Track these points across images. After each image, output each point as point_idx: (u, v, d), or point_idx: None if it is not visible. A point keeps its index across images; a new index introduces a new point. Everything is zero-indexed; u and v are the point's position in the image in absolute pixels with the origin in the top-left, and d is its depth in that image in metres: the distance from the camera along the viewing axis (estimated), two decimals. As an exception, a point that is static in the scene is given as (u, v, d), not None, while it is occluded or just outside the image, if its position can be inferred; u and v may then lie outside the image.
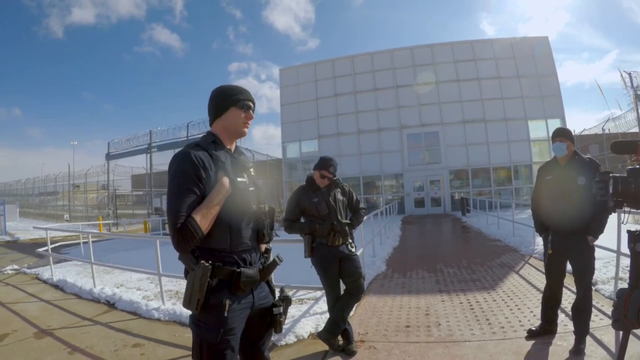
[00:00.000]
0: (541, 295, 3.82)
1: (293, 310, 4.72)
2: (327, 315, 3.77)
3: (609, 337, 3.40)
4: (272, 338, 3.64)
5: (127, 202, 38.11)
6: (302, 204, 3.62)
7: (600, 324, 3.74)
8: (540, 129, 23.34)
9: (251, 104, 1.91)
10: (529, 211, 4.17)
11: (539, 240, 7.93)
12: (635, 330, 1.82)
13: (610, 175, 1.98)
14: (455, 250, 9.84)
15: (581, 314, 3.28)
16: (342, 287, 3.71)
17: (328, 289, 3.65)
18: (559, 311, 3.69)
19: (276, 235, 2.02)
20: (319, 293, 5.21)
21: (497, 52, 24.02)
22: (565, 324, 3.77)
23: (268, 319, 1.90)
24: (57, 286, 6.88)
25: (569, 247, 3.34)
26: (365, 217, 3.94)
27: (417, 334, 3.97)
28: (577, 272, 3.35)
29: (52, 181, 36.15)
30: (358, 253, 3.95)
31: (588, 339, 3.29)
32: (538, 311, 3.88)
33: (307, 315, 4.63)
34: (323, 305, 4.71)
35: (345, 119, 25.44)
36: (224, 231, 1.73)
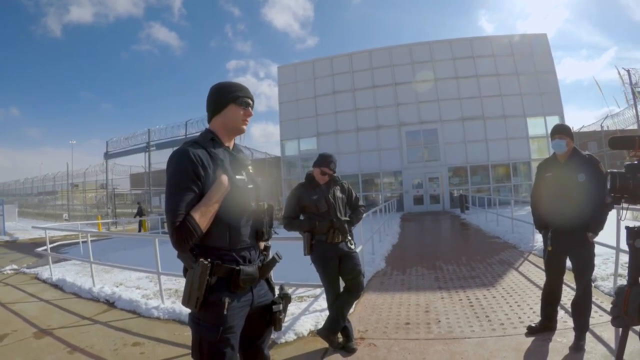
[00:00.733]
0: (541, 292, 3.82)
1: (292, 308, 4.71)
2: (327, 313, 3.77)
3: (609, 333, 3.40)
4: (272, 336, 3.64)
5: (126, 201, 38.10)
6: (301, 202, 3.60)
7: (600, 320, 3.74)
8: (538, 126, 23.40)
9: (250, 101, 1.89)
10: (528, 208, 4.18)
11: (538, 237, 7.93)
12: (634, 327, 1.82)
13: (609, 171, 1.98)
14: (455, 247, 9.86)
15: (581, 310, 3.28)
16: (342, 284, 3.71)
17: (327, 287, 3.64)
18: (558, 308, 3.69)
19: (275, 233, 2.01)
20: (318, 290, 5.20)
21: (496, 49, 24.07)
22: (565, 320, 3.77)
23: (267, 316, 1.89)
24: (56, 286, 6.86)
25: (568, 243, 3.34)
26: (364, 215, 3.93)
27: (417, 331, 3.98)
28: (577, 269, 3.35)
29: (50, 181, 36.11)
30: (357, 250, 3.95)
31: (588, 335, 3.29)
32: (538, 308, 3.88)
33: (306, 312, 4.62)
34: (322, 302, 4.71)
35: (343, 116, 25.48)
36: (222, 229, 1.72)
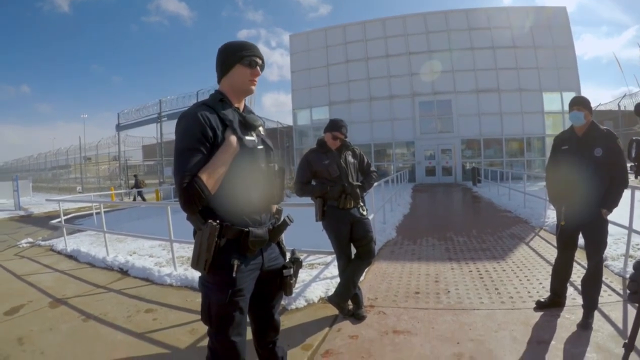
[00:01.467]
0: (551, 267, 3.78)
1: (303, 275, 4.75)
2: (338, 280, 3.78)
3: (617, 313, 3.38)
4: (283, 302, 3.68)
5: (139, 172, 38.48)
6: (313, 167, 3.57)
7: (609, 300, 3.70)
8: (554, 102, 22.86)
9: (258, 59, 1.82)
10: (541, 183, 4.11)
11: (550, 213, 7.86)
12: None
13: (634, 138, 1.91)
14: (466, 219, 9.82)
15: (591, 288, 3.24)
16: (353, 251, 3.71)
17: (339, 253, 3.64)
18: (568, 285, 3.66)
19: (287, 195, 1.99)
20: (329, 258, 5.24)
21: (513, 21, 23.26)
22: (574, 297, 3.73)
23: (278, 281, 1.89)
24: (71, 256, 6.98)
25: (582, 219, 3.26)
26: (375, 183, 3.89)
27: (427, 300, 3.99)
28: (590, 245, 3.29)
29: (63, 155, 36.45)
30: (370, 217, 3.93)
31: (596, 314, 3.27)
32: (547, 283, 3.86)
33: (317, 279, 4.66)
34: (333, 270, 4.74)
35: (356, 85, 25.14)
36: (232, 190, 1.69)
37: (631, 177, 2.85)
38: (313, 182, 3.65)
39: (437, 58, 23.52)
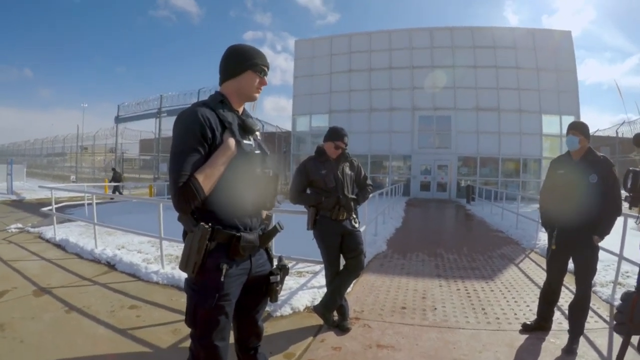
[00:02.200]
0: (539, 290, 3.79)
1: (291, 282, 4.74)
2: (325, 290, 3.77)
3: (602, 340, 3.38)
4: (268, 308, 3.66)
5: (134, 167, 38.33)
6: (310, 176, 3.55)
7: (595, 326, 3.70)
8: (553, 124, 22.97)
9: (267, 69, 1.84)
10: (535, 205, 4.13)
11: (542, 236, 7.88)
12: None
13: (630, 169, 1.92)
14: (457, 236, 9.84)
15: (578, 313, 3.25)
16: (342, 263, 3.70)
17: (328, 263, 3.63)
18: (555, 309, 3.66)
19: (278, 202, 1.99)
20: (318, 267, 5.22)
21: (518, 41, 23.45)
22: (560, 322, 3.73)
23: (264, 287, 1.87)
24: (59, 245, 6.92)
25: (573, 244, 3.28)
26: (370, 195, 3.90)
27: (413, 316, 3.98)
28: (579, 271, 3.30)
29: (60, 142, 36.34)
30: (361, 230, 3.93)
31: (581, 339, 3.27)
32: (534, 306, 3.86)
33: (304, 288, 4.64)
34: (321, 279, 4.71)
35: (357, 95, 25.18)
36: (226, 194, 1.69)
37: (625, 205, 2.88)
38: (308, 191, 3.65)
39: (439, 73, 23.62)
